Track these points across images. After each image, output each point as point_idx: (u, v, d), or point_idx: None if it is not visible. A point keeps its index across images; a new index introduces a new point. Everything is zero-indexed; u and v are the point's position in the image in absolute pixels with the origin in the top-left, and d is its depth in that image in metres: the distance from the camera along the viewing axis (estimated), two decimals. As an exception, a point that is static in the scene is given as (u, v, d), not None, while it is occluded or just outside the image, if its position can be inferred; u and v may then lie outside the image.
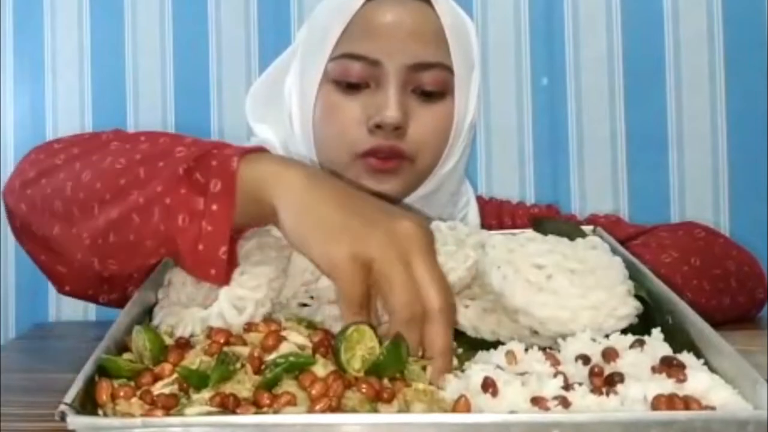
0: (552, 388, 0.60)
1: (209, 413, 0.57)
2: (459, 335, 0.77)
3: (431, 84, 1.00)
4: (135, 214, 0.75)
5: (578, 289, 0.74)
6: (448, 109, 1.02)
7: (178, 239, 0.73)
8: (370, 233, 0.67)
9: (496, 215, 1.23)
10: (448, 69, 1.01)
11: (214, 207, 0.71)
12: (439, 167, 1.04)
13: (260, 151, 0.76)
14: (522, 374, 0.63)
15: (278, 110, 1.08)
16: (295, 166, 0.74)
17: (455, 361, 0.70)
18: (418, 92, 1.00)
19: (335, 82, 1.01)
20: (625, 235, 1.11)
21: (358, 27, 1.00)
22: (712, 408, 0.57)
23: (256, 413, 0.57)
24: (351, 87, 1.00)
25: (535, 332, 0.74)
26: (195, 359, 0.65)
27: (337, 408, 0.58)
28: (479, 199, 1.23)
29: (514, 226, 1.16)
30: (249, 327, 0.70)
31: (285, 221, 0.70)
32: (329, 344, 0.66)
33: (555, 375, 0.62)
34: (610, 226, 1.14)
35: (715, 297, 1.02)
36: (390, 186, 1.00)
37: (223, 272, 0.73)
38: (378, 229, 0.68)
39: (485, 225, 1.15)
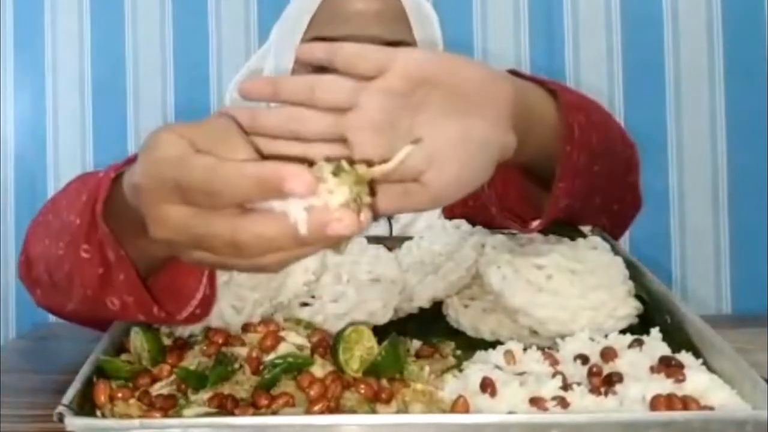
0: (551, 388, 0.59)
1: (207, 414, 0.57)
2: (458, 335, 0.77)
3: None
4: (83, 306, 0.72)
5: (578, 289, 0.74)
6: None
7: (126, 318, 0.69)
8: None
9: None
10: (411, 46, 1.04)
11: (121, 277, 0.66)
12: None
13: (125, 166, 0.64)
14: (521, 374, 0.63)
15: (256, 103, 1.09)
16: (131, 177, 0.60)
17: (453, 361, 0.70)
18: None
19: (306, 66, 1.02)
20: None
21: (326, 12, 1.05)
22: (711, 408, 0.57)
23: (254, 414, 0.58)
24: (320, 70, 1.01)
25: (535, 332, 0.74)
26: (193, 360, 0.65)
27: (335, 409, 0.58)
28: None
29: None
30: (247, 327, 0.70)
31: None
32: (327, 345, 0.66)
33: (554, 375, 0.62)
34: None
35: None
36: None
37: (175, 316, 0.68)
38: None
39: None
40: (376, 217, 0.55)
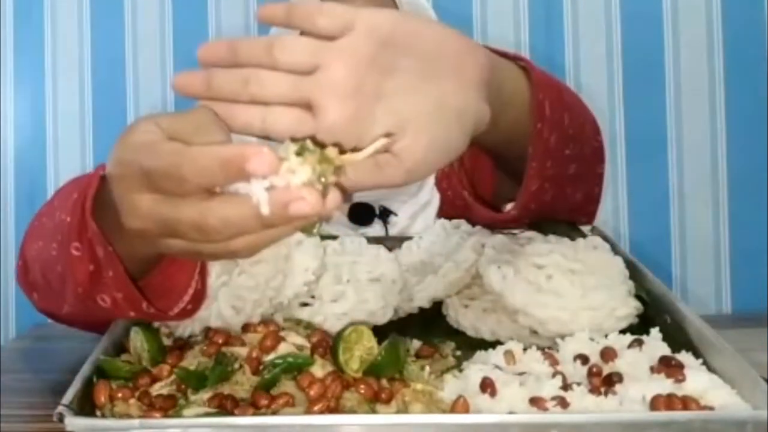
0: (550, 388, 0.59)
1: (207, 414, 0.57)
2: (458, 335, 0.77)
3: None
4: (77, 306, 0.72)
5: (578, 289, 0.74)
6: None
7: (116, 317, 0.70)
8: None
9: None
10: None
11: (110, 273, 0.65)
12: None
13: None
14: (521, 374, 0.63)
15: None
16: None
17: (452, 361, 0.70)
18: None
19: None
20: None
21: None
22: (711, 408, 0.57)
23: (254, 414, 0.57)
24: None
25: (535, 332, 0.74)
26: (193, 360, 0.65)
27: (335, 409, 0.58)
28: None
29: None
30: (247, 327, 0.70)
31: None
32: (327, 345, 0.66)
33: (553, 375, 0.62)
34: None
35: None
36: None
37: (167, 312, 0.69)
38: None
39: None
40: (347, 196, 0.55)
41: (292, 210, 0.47)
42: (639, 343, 0.66)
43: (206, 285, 0.70)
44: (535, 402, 0.58)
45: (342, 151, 0.51)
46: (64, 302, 0.74)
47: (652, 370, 0.62)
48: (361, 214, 1.03)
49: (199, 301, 0.69)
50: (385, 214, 1.06)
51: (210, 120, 0.55)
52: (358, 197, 1.03)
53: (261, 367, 0.63)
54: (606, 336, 0.69)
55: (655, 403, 0.57)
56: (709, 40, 1.77)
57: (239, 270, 0.77)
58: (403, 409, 0.60)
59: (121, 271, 0.65)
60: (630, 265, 0.80)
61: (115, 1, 1.91)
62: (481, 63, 0.61)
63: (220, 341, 0.67)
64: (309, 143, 0.49)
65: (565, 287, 0.74)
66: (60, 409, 0.56)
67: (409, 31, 0.57)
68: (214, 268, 0.79)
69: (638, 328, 0.72)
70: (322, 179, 0.48)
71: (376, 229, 1.05)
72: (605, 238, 0.86)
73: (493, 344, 0.72)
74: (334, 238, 0.86)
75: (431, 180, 1.13)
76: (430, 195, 1.13)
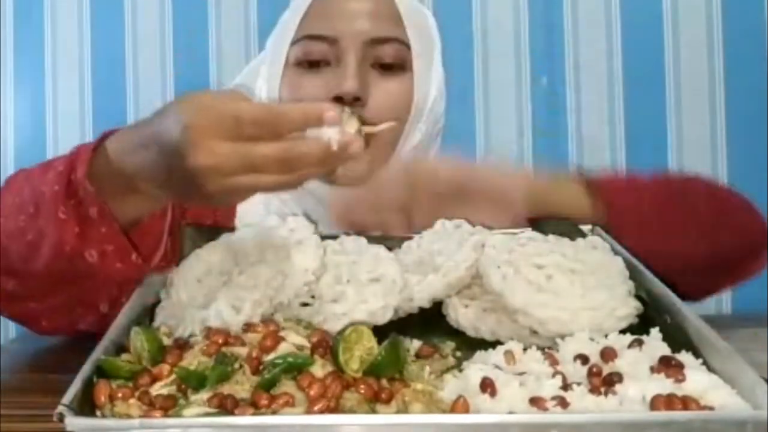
0: (550, 388, 0.59)
1: (207, 414, 0.57)
2: (458, 335, 0.77)
3: (390, 56, 1.05)
4: (53, 264, 0.80)
5: (578, 289, 0.74)
6: (408, 84, 1.06)
7: (98, 272, 0.79)
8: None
9: None
10: (405, 45, 1.05)
11: (103, 229, 0.77)
12: (401, 144, 1.07)
13: (103, 141, 0.77)
14: (520, 374, 0.63)
15: None
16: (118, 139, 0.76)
17: (452, 361, 0.70)
18: (377, 66, 1.05)
19: (298, 63, 1.05)
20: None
21: (316, 12, 1.06)
22: (711, 408, 0.57)
23: (254, 414, 0.57)
24: (312, 66, 1.05)
25: (535, 332, 0.74)
26: (193, 360, 0.65)
27: (335, 409, 0.58)
28: None
29: None
30: (248, 327, 0.70)
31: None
32: (328, 345, 0.66)
33: (553, 375, 0.62)
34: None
35: (687, 238, 0.95)
36: (356, 163, 1.01)
37: (152, 262, 0.81)
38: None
39: None
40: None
41: (351, 148, 0.65)
42: (639, 343, 0.66)
43: (177, 245, 0.83)
44: (535, 402, 0.58)
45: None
46: (26, 269, 0.82)
47: (652, 370, 0.62)
48: None
49: (169, 260, 0.82)
50: None
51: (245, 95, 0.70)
52: None
53: (261, 367, 0.63)
54: (606, 336, 0.69)
55: (655, 403, 0.57)
56: (709, 40, 1.77)
57: (239, 270, 0.77)
58: (403, 409, 0.60)
59: (115, 226, 0.77)
60: (630, 265, 0.80)
61: (115, 1, 1.91)
62: (518, 203, 0.83)
63: (220, 341, 0.67)
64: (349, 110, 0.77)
65: (565, 287, 0.74)
66: (60, 408, 0.56)
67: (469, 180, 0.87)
68: (215, 268, 0.80)
69: (638, 328, 0.72)
70: (360, 132, 0.70)
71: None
72: (605, 238, 0.86)
73: (493, 344, 0.72)
74: (334, 238, 0.86)
75: None
76: None
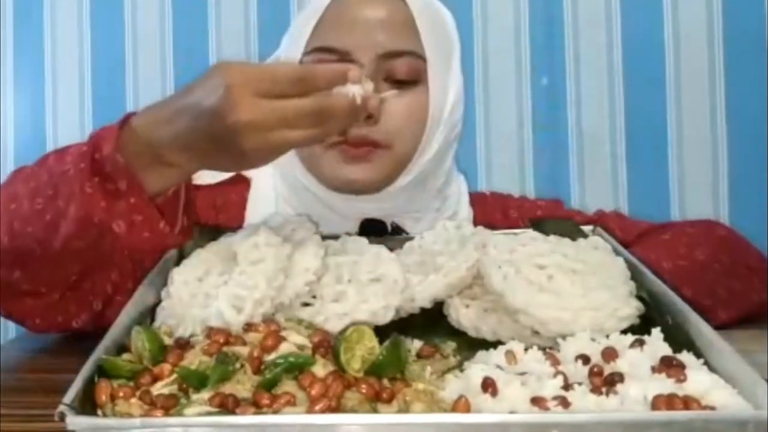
0: (552, 388, 0.59)
1: (208, 413, 0.57)
2: (460, 335, 0.77)
3: (403, 72, 1.02)
4: (74, 241, 0.83)
5: (580, 289, 0.74)
6: (422, 97, 1.04)
7: (125, 242, 0.82)
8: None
9: (501, 209, 1.22)
10: (420, 57, 1.03)
11: (132, 200, 0.81)
12: (418, 155, 1.05)
13: (126, 122, 0.82)
14: (522, 374, 0.63)
15: None
16: (145, 116, 0.82)
17: (454, 361, 0.70)
18: (390, 81, 1.02)
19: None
20: (638, 231, 1.11)
21: (329, 21, 1.03)
22: (712, 408, 0.57)
23: (255, 413, 0.57)
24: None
25: (536, 332, 0.74)
26: (194, 359, 0.65)
27: (336, 408, 0.58)
28: (480, 195, 1.22)
29: (521, 220, 1.15)
30: (249, 327, 0.70)
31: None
32: (329, 344, 0.66)
33: (555, 375, 0.62)
34: (618, 221, 1.14)
35: (746, 295, 1.01)
36: (365, 173, 1.01)
37: (175, 236, 0.85)
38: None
39: (489, 220, 1.14)
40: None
41: (370, 103, 0.76)
42: (640, 343, 0.66)
43: (191, 216, 0.90)
44: (537, 402, 0.58)
45: None
46: (42, 253, 0.84)
47: (654, 370, 0.62)
48: (373, 231, 1.04)
49: (188, 233, 0.88)
50: (397, 231, 1.06)
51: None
52: (370, 213, 1.03)
53: (262, 367, 0.63)
54: (607, 336, 0.69)
55: (657, 402, 0.57)
56: (709, 40, 1.77)
57: (240, 269, 0.77)
58: (405, 409, 0.60)
59: (144, 196, 0.81)
60: (631, 265, 0.80)
61: (115, 1, 1.91)
62: None
63: (222, 340, 0.67)
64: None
65: (567, 287, 0.74)
66: (61, 408, 0.55)
67: None
68: (216, 268, 0.80)
69: (639, 328, 0.72)
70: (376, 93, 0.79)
71: None
72: (606, 239, 0.86)
73: (495, 344, 0.72)
74: (335, 237, 0.86)
75: (457, 195, 1.13)
76: (454, 209, 1.13)
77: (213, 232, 0.87)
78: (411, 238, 0.90)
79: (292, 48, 1.05)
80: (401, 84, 1.02)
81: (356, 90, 0.75)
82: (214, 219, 1.07)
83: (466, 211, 1.15)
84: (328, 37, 1.02)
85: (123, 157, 0.80)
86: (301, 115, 0.72)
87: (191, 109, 0.76)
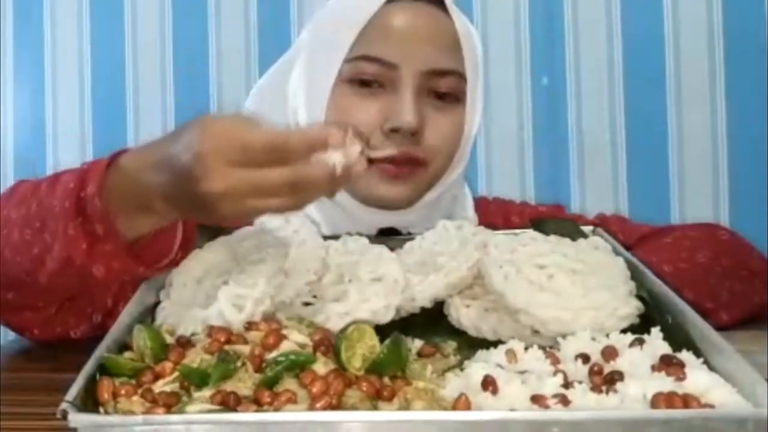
0: (552, 386, 0.60)
1: (210, 411, 0.58)
2: (460, 334, 0.78)
3: (446, 90, 1.01)
4: (58, 279, 0.81)
5: (580, 289, 0.74)
6: (461, 116, 1.04)
7: (107, 283, 0.83)
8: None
9: (502, 214, 1.22)
10: (462, 76, 1.02)
11: (108, 247, 0.77)
12: (448, 173, 1.05)
13: (115, 160, 0.79)
14: (522, 373, 0.63)
15: (281, 110, 1.07)
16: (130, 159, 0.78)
17: (454, 360, 0.70)
18: (432, 97, 1.01)
19: (350, 82, 1.01)
20: (639, 234, 1.12)
21: (375, 29, 1.00)
22: (711, 406, 0.57)
23: (256, 411, 0.58)
24: (366, 89, 1.01)
25: (537, 332, 0.74)
26: (196, 358, 0.65)
27: (337, 406, 0.58)
28: (482, 200, 1.22)
29: (523, 225, 1.15)
30: (250, 326, 0.71)
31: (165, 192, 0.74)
32: (330, 343, 0.66)
33: (555, 373, 0.62)
34: (619, 224, 1.14)
35: (748, 297, 1.02)
36: (401, 191, 1.01)
37: (159, 267, 0.82)
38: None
39: (491, 224, 1.14)
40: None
41: (354, 170, 0.69)
42: (640, 342, 0.66)
43: (191, 237, 0.85)
44: (537, 400, 0.58)
45: None
46: (31, 283, 0.83)
47: (653, 368, 0.62)
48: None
49: (187, 249, 0.84)
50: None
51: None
52: (391, 223, 1.02)
53: (263, 365, 0.63)
54: (607, 335, 0.69)
55: (656, 401, 0.57)
56: (709, 36, 1.77)
57: (240, 269, 0.77)
58: (405, 407, 0.60)
59: (120, 244, 0.77)
60: (631, 265, 0.80)
61: (115, 2, 1.91)
62: None
63: (223, 339, 0.67)
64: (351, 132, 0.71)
65: (567, 287, 0.74)
66: (63, 405, 0.56)
67: None
68: (215, 268, 0.80)
69: (639, 327, 0.72)
70: (364, 153, 0.71)
71: None
72: (606, 239, 0.86)
73: (495, 344, 0.72)
74: (336, 238, 0.87)
75: (464, 199, 1.13)
76: (462, 214, 1.13)
77: (212, 232, 0.87)
78: (411, 238, 0.91)
79: (330, 52, 1.02)
80: (443, 101, 1.02)
81: (337, 158, 0.68)
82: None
83: (473, 216, 1.15)
84: (374, 47, 1.00)
85: (105, 198, 0.77)
86: (275, 186, 0.68)
87: (169, 163, 0.72)
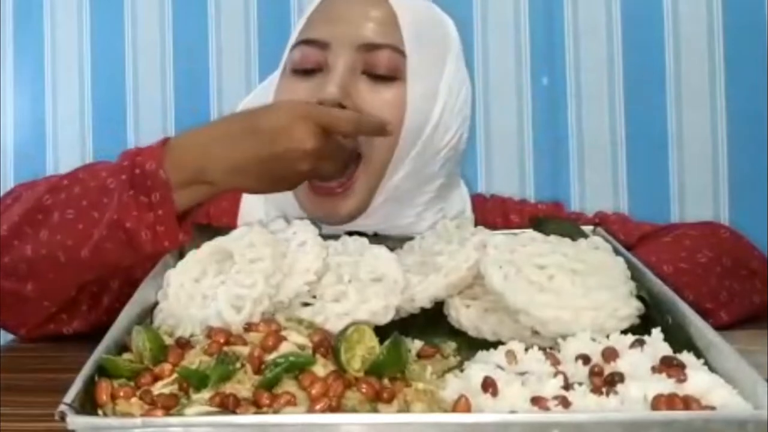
0: (552, 387, 0.60)
1: (209, 413, 0.57)
2: (460, 335, 0.77)
3: (382, 66, 1.00)
4: (104, 244, 0.88)
5: (580, 289, 0.74)
6: (400, 93, 1.00)
7: (148, 248, 0.87)
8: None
9: (501, 213, 1.21)
10: (398, 51, 1.01)
11: (160, 212, 0.87)
12: (394, 163, 1.01)
13: (165, 143, 0.90)
14: (522, 374, 0.63)
15: None
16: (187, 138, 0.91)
17: (454, 361, 0.70)
18: (368, 75, 1.00)
19: (294, 72, 1.03)
20: (640, 233, 1.12)
21: (315, 16, 1.04)
22: (712, 408, 0.57)
23: (256, 413, 0.58)
24: (306, 73, 1.02)
25: (537, 332, 0.74)
26: (195, 359, 0.65)
27: (336, 408, 0.58)
28: (480, 198, 1.22)
29: (521, 224, 1.13)
30: (249, 327, 0.71)
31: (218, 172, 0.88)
32: (329, 344, 0.66)
33: (555, 375, 0.62)
34: (620, 223, 1.14)
35: (747, 297, 1.02)
36: (342, 206, 0.99)
37: (188, 240, 0.89)
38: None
39: (489, 223, 1.13)
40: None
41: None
42: (640, 343, 0.66)
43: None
44: (537, 401, 0.58)
45: None
46: (68, 260, 0.90)
47: (654, 370, 0.62)
48: None
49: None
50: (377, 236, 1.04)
51: None
52: (351, 226, 1.00)
53: (263, 366, 0.63)
54: (607, 336, 0.69)
55: (657, 402, 0.57)
56: (709, 40, 1.77)
57: (237, 268, 0.77)
58: (405, 409, 0.60)
59: (171, 210, 0.87)
60: (631, 265, 0.80)
61: (115, 2, 1.91)
62: None
63: (222, 340, 0.67)
64: None
65: (567, 287, 0.74)
66: (62, 407, 0.55)
67: None
68: (212, 268, 0.80)
69: (639, 328, 0.72)
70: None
71: None
72: (607, 239, 0.86)
73: (495, 344, 0.72)
74: (335, 238, 0.87)
75: (461, 195, 1.13)
76: (458, 208, 1.11)
77: (212, 232, 0.87)
78: (411, 238, 0.90)
79: (287, 47, 1.07)
80: (379, 79, 1.00)
81: None
82: (206, 218, 1.08)
83: (469, 213, 1.14)
84: (312, 30, 1.03)
85: (165, 173, 0.86)
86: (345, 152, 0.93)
87: (254, 132, 0.86)
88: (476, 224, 0.99)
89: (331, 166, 0.92)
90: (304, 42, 1.03)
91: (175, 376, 0.63)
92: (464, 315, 0.78)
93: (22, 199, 0.95)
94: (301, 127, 0.85)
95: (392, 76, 1.00)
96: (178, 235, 0.88)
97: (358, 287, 0.77)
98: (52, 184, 0.93)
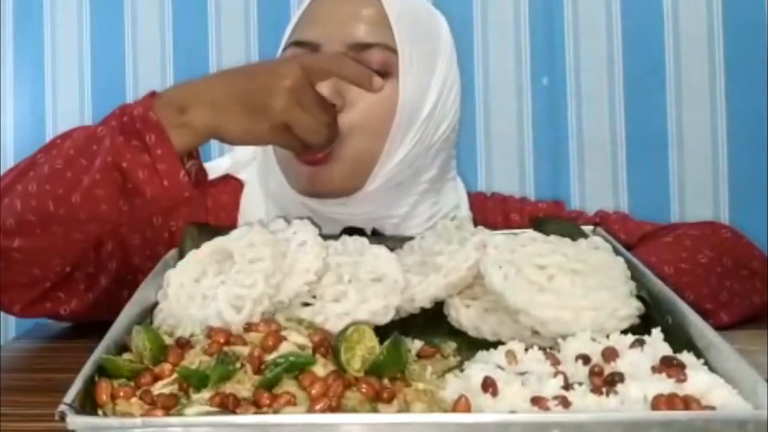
0: (552, 387, 0.60)
1: (209, 413, 0.57)
2: (460, 335, 0.77)
3: (373, 64, 0.99)
4: (96, 189, 0.86)
5: (580, 289, 0.74)
6: (391, 90, 1.00)
7: (147, 189, 0.86)
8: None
9: (502, 212, 1.21)
10: (390, 49, 1.01)
11: (159, 151, 0.85)
12: (385, 156, 1.01)
13: (153, 95, 0.91)
14: (522, 374, 0.63)
15: None
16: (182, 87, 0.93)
17: (454, 361, 0.70)
18: None
19: None
20: (641, 232, 1.12)
21: (305, 17, 1.05)
22: (712, 408, 0.57)
23: (255, 413, 0.58)
24: None
25: (537, 332, 0.74)
26: (195, 359, 0.65)
27: (336, 408, 0.58)
28: (479, 198, 1.22)
29: (522, 223, 1.13)
30: (249, 327, 0.70)
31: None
32: (329, 344, 0.66)
33: (555, 375, 0.62)
34: (620, 222, 1.14)
35: (748, 297, 1.02)
36: (326, 172, 0.99)
37: (191, 187, 0.88)
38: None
39: (490, 222, 1.13)
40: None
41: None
42: (640, 343, 0.66)
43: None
44: (537, 401, 0.58)
45: None
46: (58, 209, 0.88)
47: (654, 370, 0.62)
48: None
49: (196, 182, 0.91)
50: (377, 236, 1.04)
51: None
52: (349, 215, 1.01)
53: (263, 366, 0.63)
54: (607, 336, 0.69)
55: (657, 402, 0.57)
56: (709, 40, 1.77)
57: (237, 268, 0.77)
58: (405, 409, 0.60)
59: (171, 147, 0.86)
60: (631, 265, 0.80)
61: (115, 2, 1.91)
62: None
63: (222, 340, 0.67)
64: None
65: (567, 287, 0.74)
66: (62, 407, 0.55)
67: None
68: (212, 268, 0.80)
69: (639, 328, 0.72)
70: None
71: None
72: (607, 239, 0.86)
73: (495, 344, 0.72)
74: (335, 237, 0.87)
75: (455, 189, 1.12)
76: (455, 201, 1.11)
77: (212, 232, 0.87)
78: (411, 238, 0.90)
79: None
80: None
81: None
82: (205, 221, 1.07)
83: (465, 209, 1.14)
84: (301, 32, 1.03)
85: (155, 114, 0.86)
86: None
87: (242, 72, 0.91)
88: (477, 223, 0.99)
89: (307, 119, 0.88)
90: (295, 43, 1.03)
91: (175, 376, 0.63)
92: (464, 315, 0.78)
93: (19, 165, 0.95)
94: (283, 66, 0.89)
95: (384, 72, 1.00)
96: (179, 172, 0.86)
97: (358, 287, 0.77)
98: (46, 144, 0.94)
